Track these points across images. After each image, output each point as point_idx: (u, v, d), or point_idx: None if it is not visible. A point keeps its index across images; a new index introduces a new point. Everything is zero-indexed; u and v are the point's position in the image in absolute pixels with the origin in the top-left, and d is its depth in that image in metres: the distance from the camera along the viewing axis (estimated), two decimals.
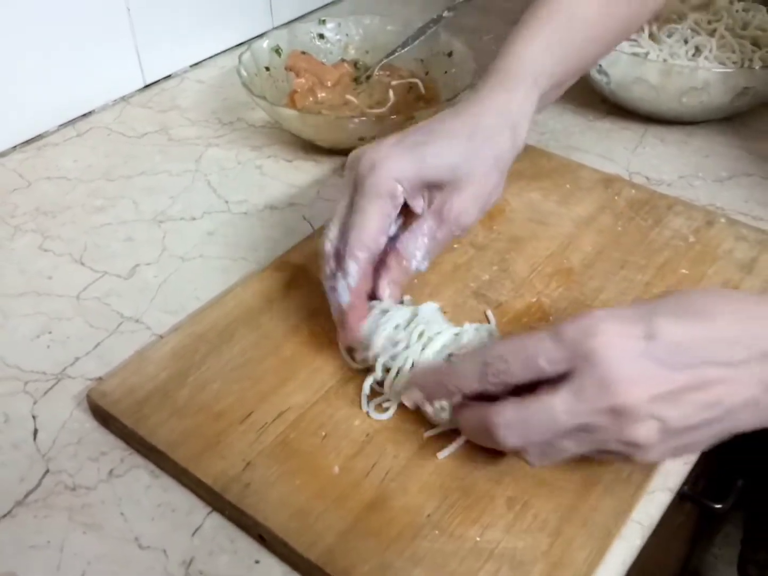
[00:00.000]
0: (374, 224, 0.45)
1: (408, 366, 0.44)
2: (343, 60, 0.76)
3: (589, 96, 0.76)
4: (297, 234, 0.61)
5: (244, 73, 0.69)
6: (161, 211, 0.64)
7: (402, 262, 0.47)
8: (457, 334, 0.45)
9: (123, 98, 0.79)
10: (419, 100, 0.72)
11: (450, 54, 0.74)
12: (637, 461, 0.36)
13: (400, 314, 0.45)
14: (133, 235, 0.61)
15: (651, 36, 0.73)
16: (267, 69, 0.74)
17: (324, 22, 0.78)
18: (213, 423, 0.45)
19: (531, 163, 0.65)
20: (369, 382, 0.46)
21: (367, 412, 0.45)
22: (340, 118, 0.67)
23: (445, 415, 0.43)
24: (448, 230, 0.47)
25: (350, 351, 0.48)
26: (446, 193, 0.47)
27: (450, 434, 0.44)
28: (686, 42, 0.73)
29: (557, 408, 0.36)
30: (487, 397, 0.38)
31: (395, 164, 0.45)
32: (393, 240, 0.48)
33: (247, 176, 0.68)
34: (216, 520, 0.42)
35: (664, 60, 0.71)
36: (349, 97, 0.72)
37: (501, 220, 0.60)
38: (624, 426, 0.35)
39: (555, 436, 0.36)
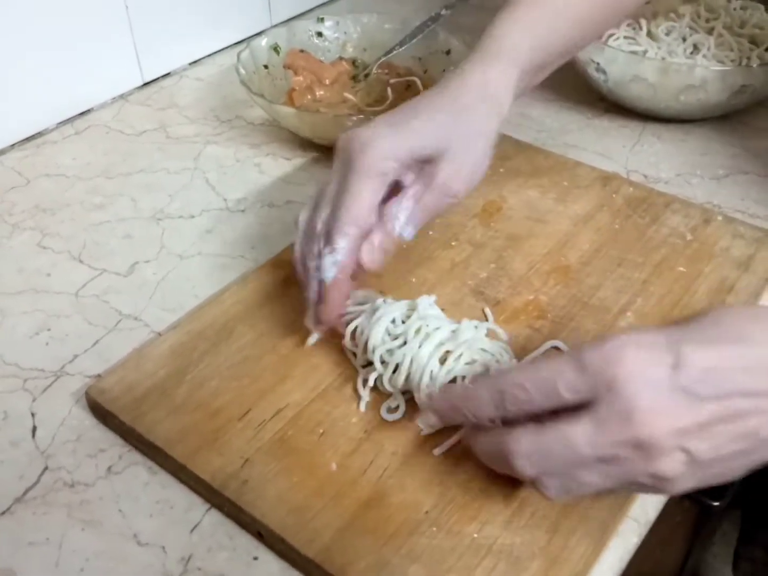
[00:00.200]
0: (365, 201, 0.46)
1: (407, 362, 0.44)
2: (341, 58, 0.76)
3: (586, 94, 0.76)
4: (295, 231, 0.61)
5: (242, 71, 0.69)
6: (160, 209, 0.64)
7: (387, 225, 0.47)
8: (454, 331, 0.45)
9: (122, 96, 0.79)
10: None
11: (448, 52, 0.74)
12: (665, 493, 0.35)
13: (398, 307, 0.46)
14: (132, 233, 0.61)
15: (649, 34, 0.73)
16: (265, 67, 0.74)
17: (322, 20, 0.78)
18: (211, 420, 0.45)
19: (529, 161, 0.66)
20: (371, 382, 0.45)
21: (361, 408, 0.45)
22: (338, 116, 0.67)
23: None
24: (436, 196, 0.48)
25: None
26: (434, 164, 0.48)
27: (447, 431, 0.44)
28: (684, 40, 0.73)
29: (578, 438, 0.34)
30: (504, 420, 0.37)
31: (384, 142, 0.46)
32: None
33: (245, 174, 0.68)
34: (214, 517, 0.42)
35: (662, 58, 0.71)
36: (347, 95, 0.72)
37: (499, 218, 0.60)
38: (649, 459, 0.33)
39: (575, 467, 0.35)
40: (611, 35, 0.73)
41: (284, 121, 0.68)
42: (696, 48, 0.72)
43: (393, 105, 0.70)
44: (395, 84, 0.73)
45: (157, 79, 0.81)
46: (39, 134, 0.73)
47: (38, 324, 0.53)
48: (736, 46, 0.72)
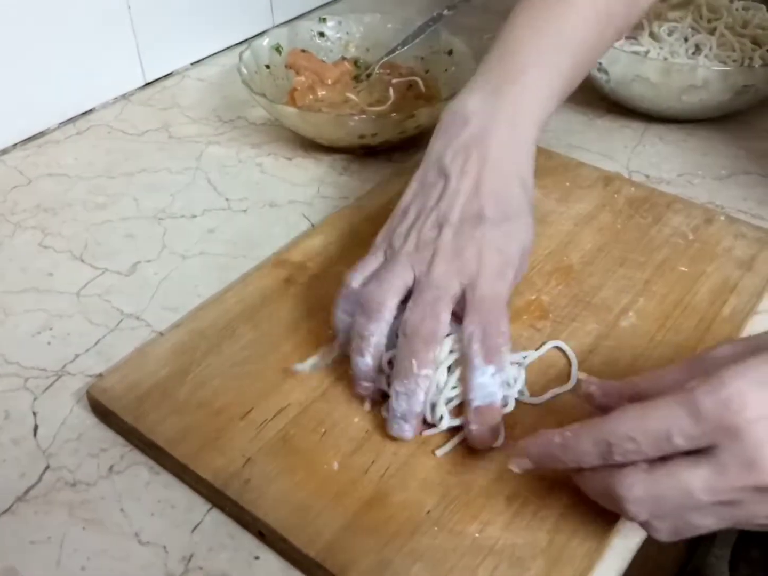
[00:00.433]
0: None
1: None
2: (343, 58, 0.76)
3: (589, 94, 0.76)
4: (296, 231, 0.61)
5: (244, 71, 0.69)
6: (162, 209, 0.64)
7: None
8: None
9: (124, 96, 0.79)
10: (419, 98, 0.72)
11: (450, 52, 0.74)
12: None
13: None
14: (134, 233, 0.62)
15: (651, 34, 0.73)
16: (267, 67, 0.74)
17: (324, 20, 0.78)
18: (213, 419, 0.45)
19: None
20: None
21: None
22: (340, 115, 0.67)
23: (444, 423, 0.43)
24: None
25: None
26: None
27: (448, 431, 0.44)
28: (686, 40, 0.73)
29: (695, 485, 0.33)
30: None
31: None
32: None
33: (247, 174, 0.68)
34: (216, 517, 0.42)
35: (664, 58, 0.71)
36: (349, 95, 0.72)
37: None
38: None
39: (689, 511, 0.34)
40: None
41: (286, 121, 0.68)
42: (698, 48, 0.72)
43: (395, 105, 0.70)
44: (397, 84, 0.73)
45: (159, 79, 0.81)
46: (41, 134, 0.73)
47: (40, 323, 0.53)
48: (738, 46, 0.72)
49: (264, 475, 0.42)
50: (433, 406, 0.43)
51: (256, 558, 0.40)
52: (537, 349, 0.49)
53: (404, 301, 0.45)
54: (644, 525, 0.36)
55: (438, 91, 0.73)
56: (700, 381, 0.34)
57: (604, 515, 0.40)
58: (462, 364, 0.43)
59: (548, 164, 0.65)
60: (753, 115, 0.74)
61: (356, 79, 0.74)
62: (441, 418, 0.43)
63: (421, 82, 0.73)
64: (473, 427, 0.42)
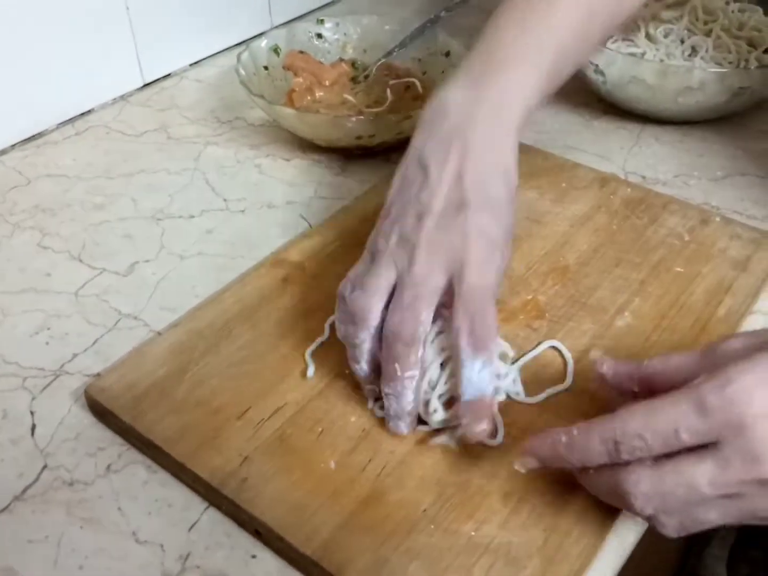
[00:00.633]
0: None
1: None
2: (341, 59, 0.77)
3: (585, 95, 0.77)
4: (294, 232, 0.61)
5: (242, 72, 0.69)
6: (160, 209, 0.64)
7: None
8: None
9: (122, 97, 0.79)
10: (417, 100, 0.72)
11: (447, 54, 0.74)
12: None
13: None
14: (132, 233, 0.62)
15: (647, 36, 0.73)
16: (265, 68, 0.74)
17: (322, 21, 0.78)
18: (210, 419, 0.45)
19: (527, 163, 0.65)
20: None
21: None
22: (337, 117, 0.67)
23: (438, 417, 0.43)
24: None
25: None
26: None
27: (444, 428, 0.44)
28: (682, 42, 0.73)
29: (700, 479, 0.34)
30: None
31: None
32: None
33: (245, 174, 0.68)
34: (213, 516, 0.42)
35: (661, 60, 0.71)
36: (346, 96, 0.72)
37: None
38: None
39: (695, 505, 0.34)
40: (609, 37, 0.73)
41: (284, 122, 0.68)
42: (694, 50, 0.73)
43: (392, 106, 0.71)
44: (395, 85, 0.73)
45: (158, 80, 0.82)
46: (40, 134, 0.73)
47: (38, 323, 0.54)
48: (734, 48, 0.72)
49: (261, 474, 0.42)
50: (427, 403, 0.44)
51: (253, 557, 0.40)
52: (533, 349, 0.49)
53: None
54: (651, 520, 0.36)
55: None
56: (706, 377, 0.34)
57: (599, 514, 0.40)
58: (453, 358, 0.43)
59: (544, 165, 0.66)
60: (749, 117, 0.74)
61: (354, 80, 0.75)
62: (435, 411, 0.43)
63: (418, 84, 0.73)
64: (465, 421, 0.42)
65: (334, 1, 0.98)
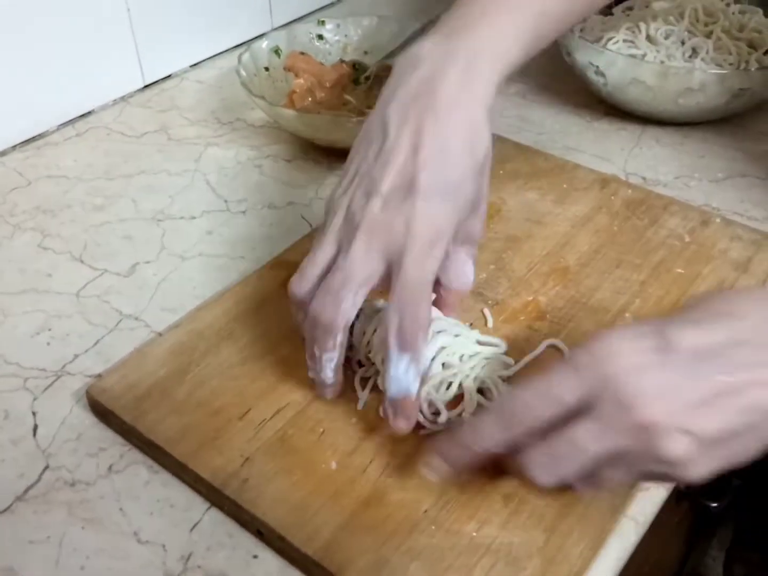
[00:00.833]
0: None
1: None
2: (341, 61, 0.76)
3: (586, 97, 0.77)
4: (295, 233, 0.61)
5: (243, 74, 0.70)
6: (160, 210, 0.64)
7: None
8: (457, 335, 0.45)
9: (123, 98, 0.79)
10: None
11: None
12: (684, 480, 0.35)
13: None
14: (133, 234, 0.62)
15: (648, 37, 0.73)
16: (266, 69, 0.74)
17: (323, 23, 0.78)
18: (211, 419, 0.45)
19: (528, 164, 0.66)
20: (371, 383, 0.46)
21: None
22: (338, 118, 0.67)
23: (442, 418, 0.43)
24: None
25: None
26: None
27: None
28: (683, 43, 0.73)
29: (580, 437, 0.34)
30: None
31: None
32: None
33: (246, 176, 0.68)
34: (214, 516, 0.42)
35: (661, 61, 0.71)
36: (347, 97, 0.72)
37: (498, 220, 0.60)
38: (652, 444, 0.33)
39: (590, 466, 0.35)
40: (610, 38, 0.73)
41: (285, 124, 0.68)
42: (694, 51, 0.73)
43: None
44: None
45: (158, 81, 0.82)
46: (40, 136, 0.73)
47: (39, 324, 0.54)
48: (734, 49, 0.72)
49: (262, 474, 0.42)
50: (430, 403, 0.44)
51: (255, 557, 0.40)
52: (534, 351, 0.49)
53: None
54: (573, 489, 0.37)
55: None
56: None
57: (600, 515, 0.40)
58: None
59: (545, 166, 0.66)
60: (749, 118, 0.74)
61: (355, 81, 0.75)
62: (438, 412, 0.44)
63: None
64: (390, 415, 0.42)
65: (334, 2, 0.98)
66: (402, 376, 0.41)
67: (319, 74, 0.73)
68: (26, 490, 0.43)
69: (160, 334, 0.52)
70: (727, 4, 0.77)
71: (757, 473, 0.69)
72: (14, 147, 0.72)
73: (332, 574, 0.38)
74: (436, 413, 0.44)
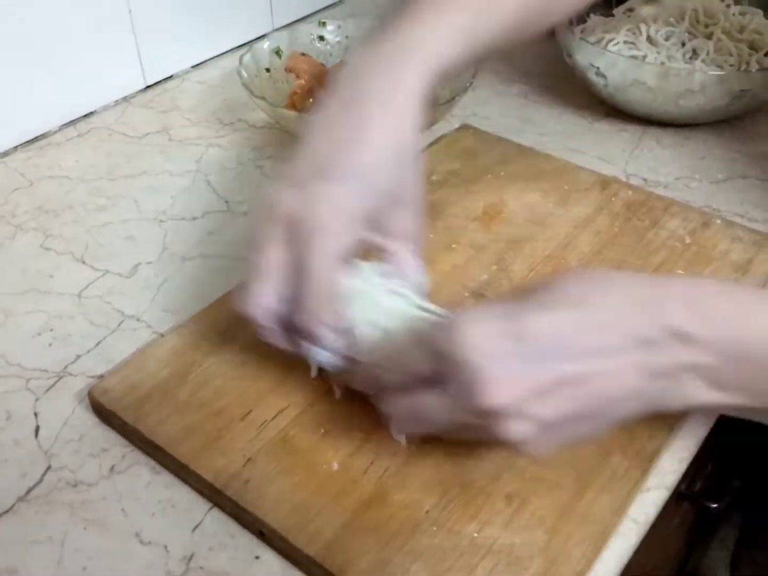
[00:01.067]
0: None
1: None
2: (342, 61, 0.77)
3: (587, 98, 0.77)
4: None
5: (244, 74, 0.70)
6: (162, 211, 0.64)
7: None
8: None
9: (124, 99, 0.79)
10: None
11: None
12: (525, 452, 0.37)
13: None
14: (135, 234, 0.62)
15: (648, 39, 0.74)
16: (267, 70, 0.74)
17: (324, 24, 0.79)
18: (213, 420, 0.45)
19: (529, 165, 0.66)
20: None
21: None
22: None
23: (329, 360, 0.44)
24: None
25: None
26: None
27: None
28: (683, 45, 0.73)
29: (433, 406, 0.37)
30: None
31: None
32: None
33: (247, 176, 0.68)
34: (216, 516, 0.42)
35: (662, 63, 0.71)
36: None
37: (499, 221, 0.60)
38: (496, 426, 0.35)
39: (443, 428, 0.38)
40: (611, 40, 0.73)
41: (286, 124, 0.68)
42: (695, 53, 0.73)
43: None
44: None
45: (160, 82, 0.82)
46: (42, 136, 0.73)
47: (41, 324, 0.54)
48: (735, 51, 0.72)
49: (264, 475, 0.42)
50: None
51: (257, 557, 0.40)
52: None
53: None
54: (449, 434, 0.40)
55: (436, 95, 0.73)
56: None
57: (602, 516, 0.40)
58: None
59: (546, 168, 0.66)
60: (750, 120, 0.74)
61: None
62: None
63: None
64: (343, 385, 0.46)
65: (335, 3, 0.98)
66: (321, 354, 0.43)
67: (321, 75, 0.73)
68: (28, 491, 0.43)
69: (162, 335, 0.52)
70: (728, 6, 0.77)
71: (757, 473, 0.69)
72: (16, 147, 0.72)
73: (334, 574, 0.38)
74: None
